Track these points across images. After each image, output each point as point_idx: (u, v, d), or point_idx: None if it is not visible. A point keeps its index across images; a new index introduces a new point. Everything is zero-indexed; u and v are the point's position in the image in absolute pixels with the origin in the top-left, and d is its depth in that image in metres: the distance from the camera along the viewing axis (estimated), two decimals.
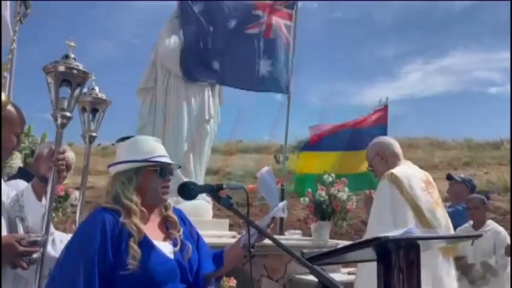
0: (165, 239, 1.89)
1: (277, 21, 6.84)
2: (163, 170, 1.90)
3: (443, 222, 2.90)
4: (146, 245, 1.77)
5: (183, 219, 2.03)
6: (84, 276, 1.64)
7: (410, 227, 2.21)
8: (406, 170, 2.95)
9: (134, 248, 1.71)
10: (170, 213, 1.97)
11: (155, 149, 1.93)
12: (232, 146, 18.39)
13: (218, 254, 2.04)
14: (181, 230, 1.94)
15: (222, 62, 6.09)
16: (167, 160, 1.93)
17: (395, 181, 2.81)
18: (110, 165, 1.93)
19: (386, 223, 2.68)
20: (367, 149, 3.19)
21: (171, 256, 1.84)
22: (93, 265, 1.66)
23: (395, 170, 2.90)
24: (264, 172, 2.09)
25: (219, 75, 6.11)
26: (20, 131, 2.14)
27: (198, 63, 5.91)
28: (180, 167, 2.08)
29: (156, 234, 1.86)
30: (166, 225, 1.94)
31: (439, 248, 2.72)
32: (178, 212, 2.03)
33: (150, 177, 1.88)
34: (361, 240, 1.75)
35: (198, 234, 2.05)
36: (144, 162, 1.87)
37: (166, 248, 1.85)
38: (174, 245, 1.88)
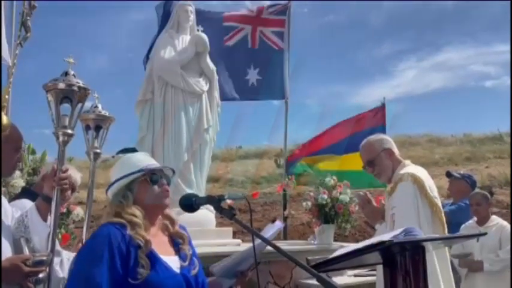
0: (172, 254, 1.90)
1: (263, 30, 6.97)
2: (153, 177, 1.91)
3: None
4: (152, 259, 1.78)
5: (189, 237, 2.04)
6: None
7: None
8: (421, 172, 2.87)
9: (144, 258, 1.74)
10: (178, 229, 1.98)
11: (141, 161, 1.95)
12: (231, 153, 18.39)
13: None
14: (189, 247, 1.96)
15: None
16: (155, 166, 1.94)
17: (418, 182, 2.73)
18: (107, 190, 1.94)
19: (415, 222, 2.59)
20: (366, 146, 3.00)
21: (178, 271, 1.85)
22: (100, 282, 1.66)
23: (414, 171, 2.82)
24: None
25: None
26: (19, 147, 2.15)
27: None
28: (174, 172, 2.06)
29: (162, 249, 1.87)
30: (174, 241, 1.95)
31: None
32: (185, 230, 2.04)
33: (143, 188, 1.90)
34: (366, 244, 1.73)
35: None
36: (132, 175, 1.88)
37: (172, 263, 1.85)
38: (183, 260, 1.89)
